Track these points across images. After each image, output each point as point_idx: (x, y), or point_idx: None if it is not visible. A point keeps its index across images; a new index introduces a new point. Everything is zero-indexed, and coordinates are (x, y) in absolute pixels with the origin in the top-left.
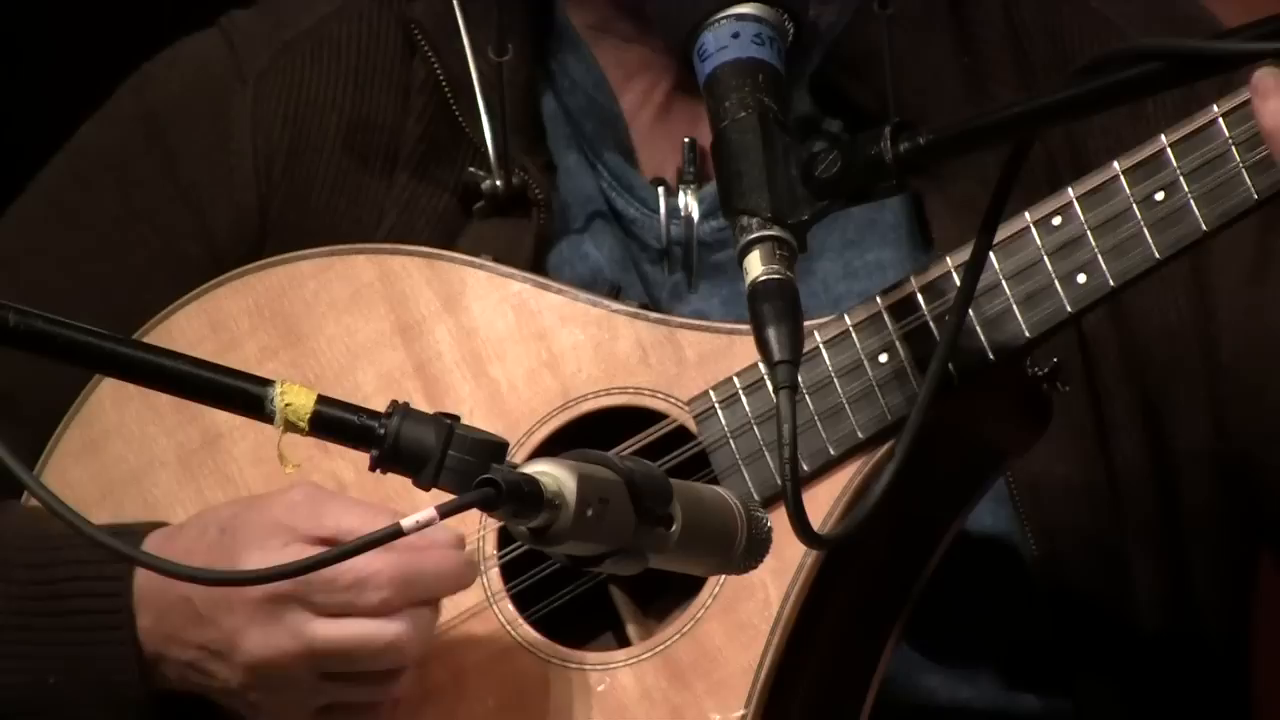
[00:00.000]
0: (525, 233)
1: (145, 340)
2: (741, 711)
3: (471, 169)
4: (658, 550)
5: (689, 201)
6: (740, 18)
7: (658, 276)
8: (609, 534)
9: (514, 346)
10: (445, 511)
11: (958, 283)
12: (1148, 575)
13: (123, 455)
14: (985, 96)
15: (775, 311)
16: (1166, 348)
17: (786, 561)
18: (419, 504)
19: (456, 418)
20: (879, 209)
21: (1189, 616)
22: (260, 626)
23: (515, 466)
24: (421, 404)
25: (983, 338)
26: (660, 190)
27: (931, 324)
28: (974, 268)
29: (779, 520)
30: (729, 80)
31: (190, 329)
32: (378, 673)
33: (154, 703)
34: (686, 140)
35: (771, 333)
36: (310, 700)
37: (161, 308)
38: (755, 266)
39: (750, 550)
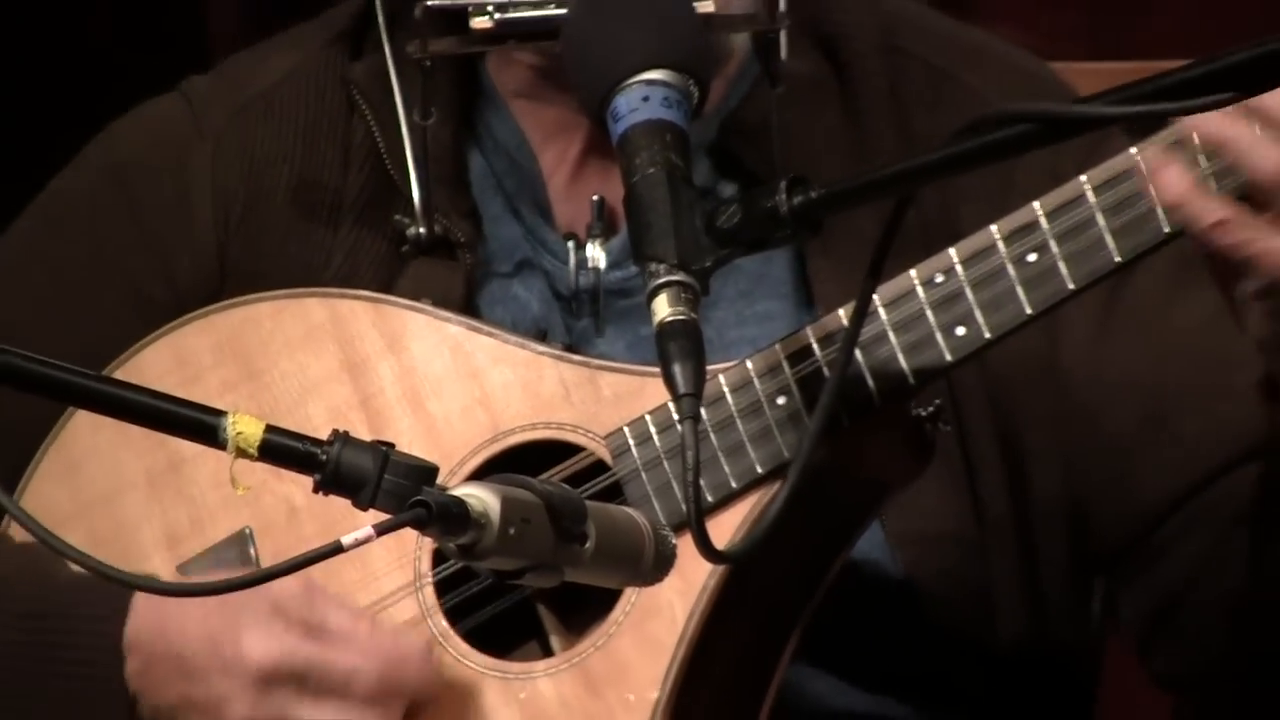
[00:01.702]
0: (456, 273)
1: (117, 373)
2: (649, 716)
3: (398, 216)
4: (574, 564)
5: (597, 254)
6: (650, 83)
7: (570, 321)
8: (530, 550)
9: (450, 384)
10: (382, 530)
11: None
12: (1009, 600)
13: (96, 477)
14: (869, 161)
15: (680, 349)
16: (1022, 393)
17: (691, 583)
18: (360, 522)
19: (392, 445)
20: (768, 265)
21: (1045, 647)
22: (252, 699)
23: (445, 489)
24: (365, 435)
25: (870, 382)
26: (570, 244)
27: (825, 369)
28: (860, 312)
29: (685, 545)
30: (639, 140)
31: (158, 363)
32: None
33: None
34: (595, 198)
35: (677, 368)
36: None
37: (128, 344)
38: (662, 308)
39: (657, 565)
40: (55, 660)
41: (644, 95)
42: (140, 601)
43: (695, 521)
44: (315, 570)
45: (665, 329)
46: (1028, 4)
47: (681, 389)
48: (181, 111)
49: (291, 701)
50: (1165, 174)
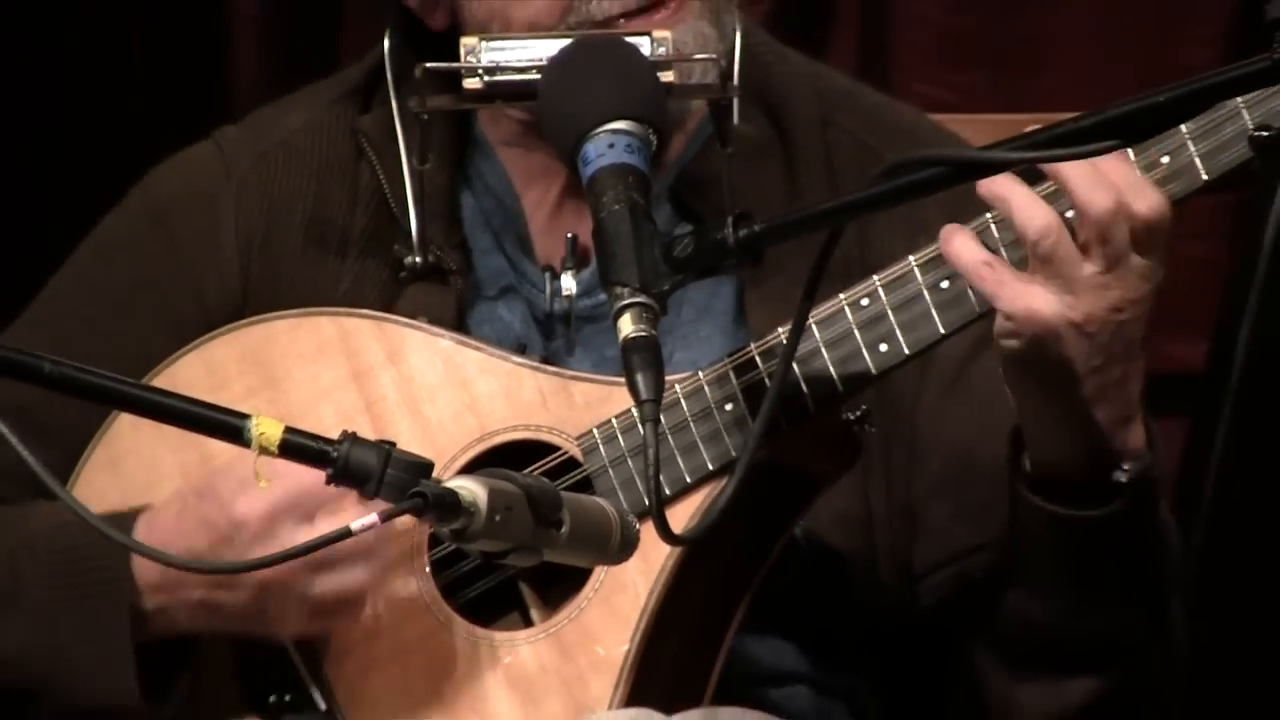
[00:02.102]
0: (449, 297)
1: (154, 381)
2: (615, 678)
3: (398, 247)
4: (551, 546)
5: (569, 283)
6: (615, 131)
7: (546, 342)
8: (513, 534)
9: (442, 391)
10: (385, 516)
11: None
12: (892, 580)
13: (136, 470)
14: None
15: (643, 361)
16: (898, 400)
17: (652, 563)
18: (366, 510)
19: (394, 444)
20: (714, 298)
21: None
22: (262, 544)
23: (440, 482)
24: (370, 435)
25: (806, 391)
26: (547, 275)
27: (766, 380)
28: (796, 329)
29: (647, 530)
30: (606, 180)
31: (190, 372)
32: (355, 561)
33: (140, 655)
34: (570, 235)
35: (640, 377)
36: (308, 597)
37: (163, 357)
38: (626, 326)
39: (623, 547)
40: (78, 582)
41: (610, 143)
42: (139, 529)
43: (656, 509)
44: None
45: (629, 344)
46: (939, 65)
47: (644, 395)
48: (213, 156)
49: (293, 529)
50: (947, 230)
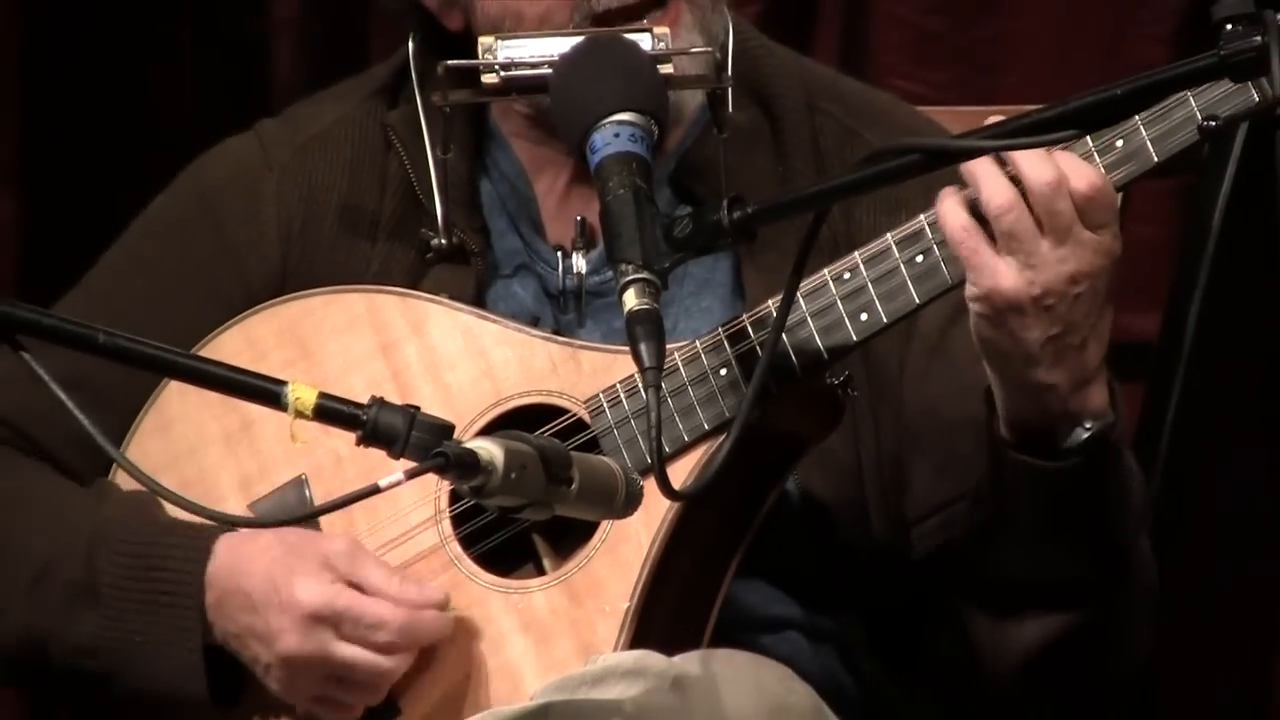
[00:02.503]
0: (469, 276)
1: (200, 353)
2: (620, 622)
3: (424, 231)
4: (562, 502)
5: (580, 262)
6: (619, 122)
7: (558, 316)
8: (527, 490)
9: (462, 360)
10: (410, 474)
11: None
12: (882, 529)
13: (184, 434)
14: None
15: (645, 331)
16: (885, 360)
17: (654, 515)
18: (393, 468)
19: (418, 408)
20: (713, 272)
21: (907, 557)
22: (298, 633)
23: (460, 443)
24: (395, 401)
25: (793, 357)
26: (559, 254)
27: (758, 348)
28: (786, 302)
29: (649, 486)
30: (611, 167)
31: (233, 344)
32: (367, 685)
33: (208, 662)
34: (579, 218)
35: (643, 347)
36: (316, 690)
37: (209, 331)
38: (631, 300)
39: (628, 502)
40: (152, 589)
41: (615, 132)
42: (220, 548)
43: (658, 467)
44: (357, 506)
45: (633, 316)
46: (913, 62)
47: (646, 363)
48: (254, 147)
49: (329, 639)
50: (943, 192)
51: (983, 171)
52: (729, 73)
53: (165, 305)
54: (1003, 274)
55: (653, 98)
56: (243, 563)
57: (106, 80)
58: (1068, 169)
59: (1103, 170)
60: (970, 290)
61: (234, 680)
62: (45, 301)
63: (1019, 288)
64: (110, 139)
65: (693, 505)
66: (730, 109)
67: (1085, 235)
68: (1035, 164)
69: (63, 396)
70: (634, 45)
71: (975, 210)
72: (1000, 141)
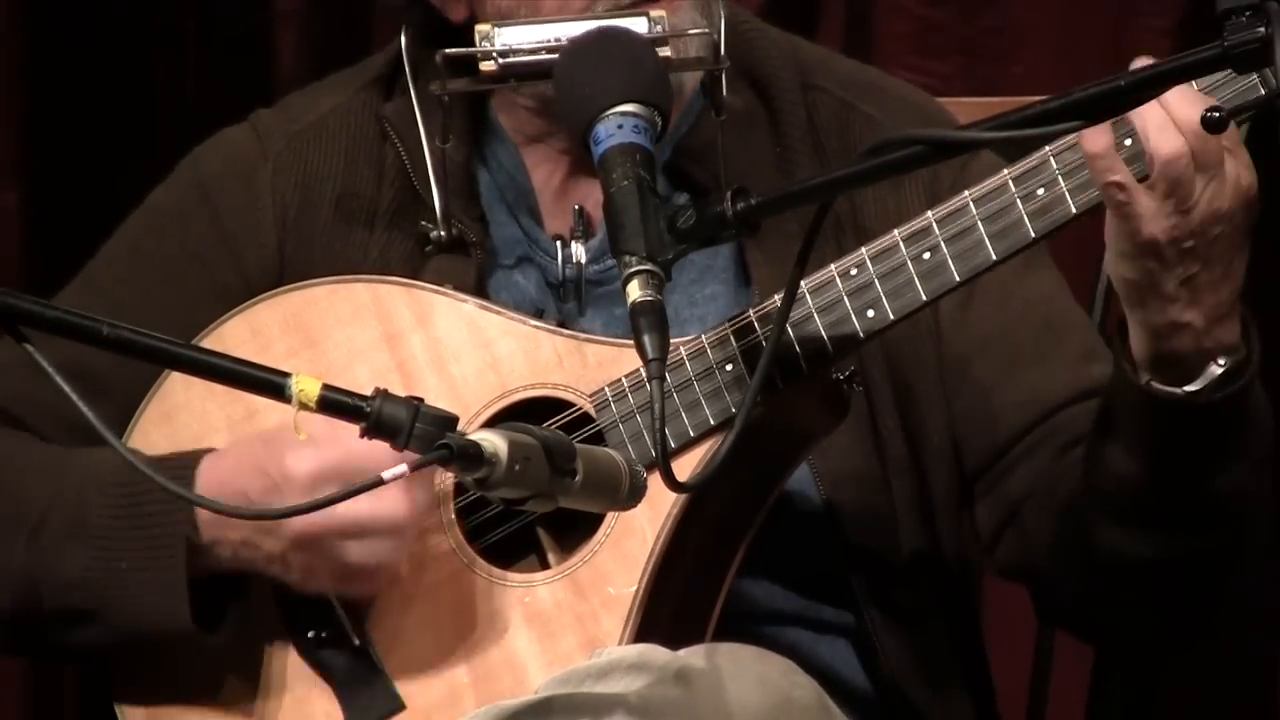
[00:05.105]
0: (469, 267)
1: (204, 343)
2: (625, 615)
3: (423, 223)
4: (566, 494)
5: (579, 251)
6: (623, 114)
7: (559, 305)
8: (531, 482)
9: (467, 352)
10: (414, 466)
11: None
12: (908, 521)
13: (188, 424)
14: (791, 175)
15: (648, 323)
16: (910, 352)
17: (659, 510)
18: (396, 460)
19: (422, 400)
20: (714, 259)
21: (937, 557)
22: (304, 500)
23: (464, 434)
24: (400, 392)
25: (799, 352)
26: (558, 243)
27: (764, 343)
28: (788, 296)
29: (654, 480)
30: (615, 159)
31: (237, 334)
32: (385, 536)
33: (191, 583)
34: (577, 207)
35: (646, 338)
36: (336, 562)
37: (208, 322)
38: (634, 291)
39: (631, 494)
40: (139, 514)
41: (619, 124)
42: (204, 465)
43: (661, 459)
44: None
45: (636, 308)
46: (918, 54)
47: (649, 354)
48: (250, 137)
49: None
50: (1092, 134)
51: (1151, 113)
52: (725, 56)
53: (163, 296)
54: (1149, 217)
55: (656, 89)
56: (228, 472)
57: (110, 72)
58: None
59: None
60: (1111, 225)
61: (219, 617)
62: (49, 292)
63: (1164, 231)
64: (113, 131)
65: (698, 499)
66: (725, 92)
67: (1228, 174)
68: (1187, 103)
69: (66, 389)
70: (637, 36)
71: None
72: (1001, 133)
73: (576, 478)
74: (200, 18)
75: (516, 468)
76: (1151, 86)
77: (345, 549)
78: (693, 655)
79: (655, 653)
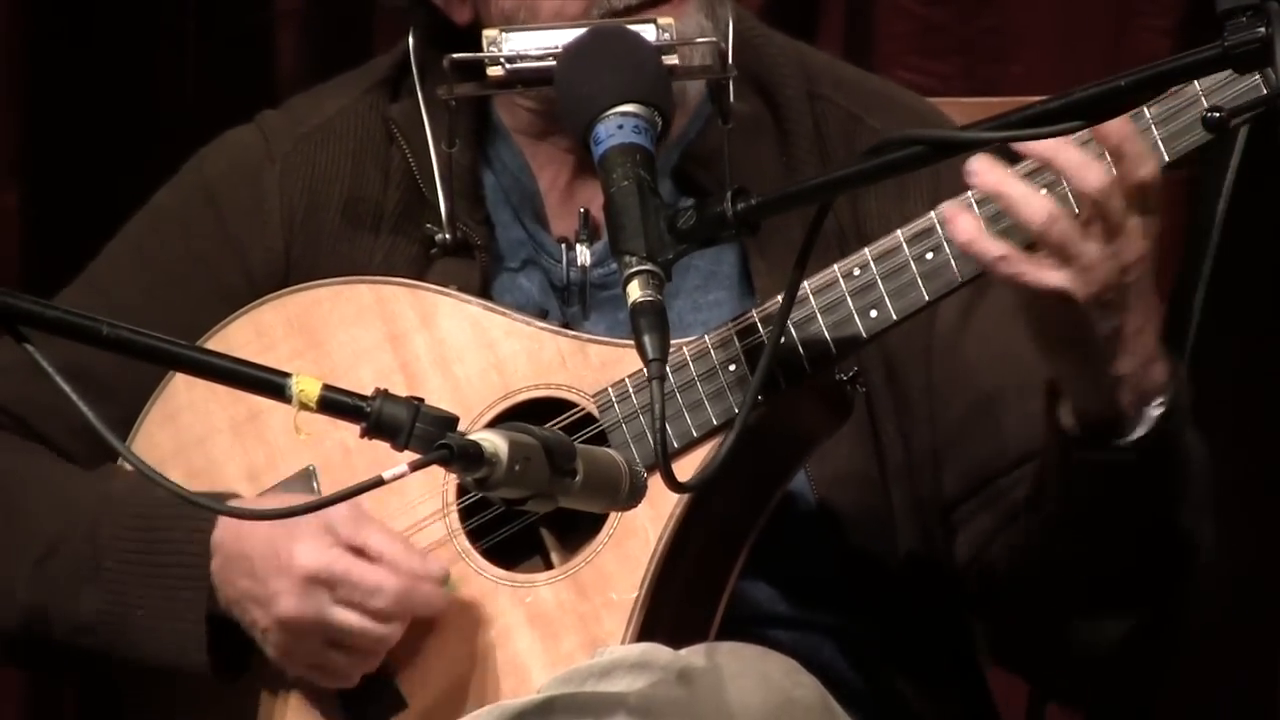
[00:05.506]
0: (473, 270)
1: (208, 344)
2: (627, 616)
3: (428, 225)
4: (566, 494)
5: (584, 254)
6: (624, 114)
7: (563, 308)
8: (531, 482)
9: (470, 352)
10: (414, 466)
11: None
12: (906, 526)
13: (191, 424)
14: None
15: (649, 323)
16: (908, 366)
17: (661, 511)
18: (397, 460)
19: (422, 400)
20: (718, 265)
21: (933, 563)
22: (296, 596)
23: (465, 434)
24: (404, 393)
25: (802, 353)
26: (563, 246)
27: (766, 343)
28: (789, 296)
29: (656, 482)
30: (616, 159)
31: (241, 335)
32: (363, 651)
33: (212, 640)
34: (582, 210)
35: (647, 339)
36: (312, 656)
37: (212, 323)
38: (635, 291)
39: (631, 494)
40: (159, 553)
41: (619, 124)
42: (223, 517)
43: (662, 459)
44: (364, 499)
45: (637, 308)
46: (916, 53)
47: (650, 355)
48: (256, 139)
49: (326, 602)
50: (957, 222)
51: (1009, 185)
52: (731, 61)
53: (167, 297)
54: (1053, 279)
55: (656, 89)
56: (245, 528)
57: (110, 72)
58: (1130, 154)
59: (1162, 152)
60: (1024, 301)
61: (238, 656)
62: (49, 292)
63: (1073, 290)
64: (114, 131)
65: (700, 500)
66: (732, 99)
67: (1133, 223)
68: (1084, 168)
69: (67, 390)
70: (638, 36)
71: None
72: (1006, 133)
73: (577, 478)
74: (200, 18)
75: (517, 468)
76: (1152, 86)
77: (323, 651)
78: (695, 655)
79: (658, 652)
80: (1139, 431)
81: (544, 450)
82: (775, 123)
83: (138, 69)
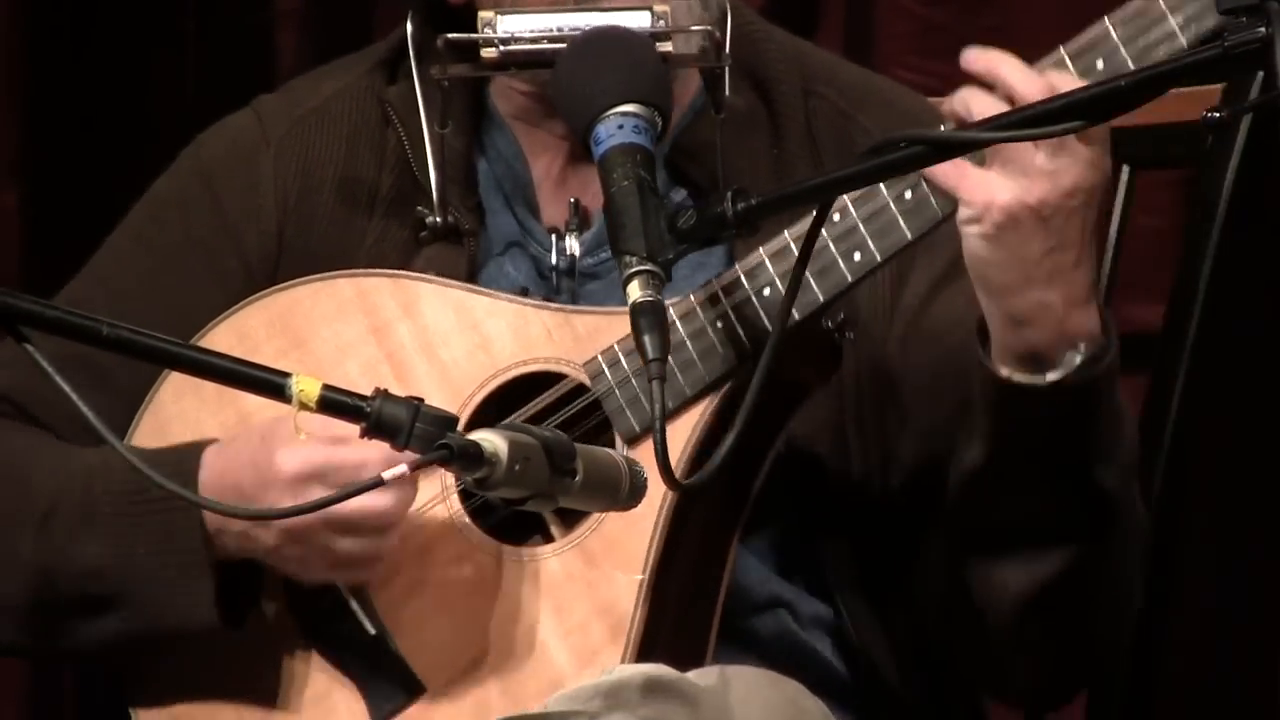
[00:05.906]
0: (461, 256)
1: None
2: (640, 576)
3: (420, 208)
4: (566, 493)
5: (573, 244)
6: (624, 114)
7: (551, 297)
8: (531, 482)
9: (455, 335)
10: (414, 466)
11: (769, 269)
12: (863, 470)
13: (182, 434)
14: (788, 178)
15: (649, 323)
16: (872, 327)
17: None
18: (396, 460)
19: (422, 400)
20: (706, 256)
21: (899, 525)
22: (290, 499)
23: (464, 435)
24: (392, 382)
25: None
26: (553, 235)
27: (752, 298)
28: (791, 293)
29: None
30: (616, 159)
31: (224, 339)
32: (373, 531)
33: (214, 569)
34: (572, 200)
35: (647, 338)
36: (327, 553)
37: (211, 309)
38: (635, 291)
39: (631, 493)
40: (153, 499)
41: (619, 124)
42: (208, 456)
43: (661, 459)
44: None
45: (637, 308)
46: (916, 52)
47: (651, 355)
48: (252, 123)
49: (319, 492)
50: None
51: (968, 96)
52: (727, 53)
53: (166, 283)
54: (997, 186)
55: (657, 89)
56: (227, 465)
57: (110, 72)
58: (1059, 83)
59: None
60: (964, 212)
61: (240, 605)
62: (49, 292)
63: (1016, 198)
64: (113, 131)
65: (701, 458)
66: (727, 92)
67: (1079, 147)
68: (1025, 77)
69: (66, 389)
70: (638, 36)
71: None
72: (1004, 133)
73: (576, 477)
74: (200, 17)
75: (516, 468)
76: (1152, 86)
77: (334, 542)
78: (702, 677)
79: (663, 674)
80: (1058, 374)
81: (544, 450)
82: (769, 117)
83: (137, 69)
